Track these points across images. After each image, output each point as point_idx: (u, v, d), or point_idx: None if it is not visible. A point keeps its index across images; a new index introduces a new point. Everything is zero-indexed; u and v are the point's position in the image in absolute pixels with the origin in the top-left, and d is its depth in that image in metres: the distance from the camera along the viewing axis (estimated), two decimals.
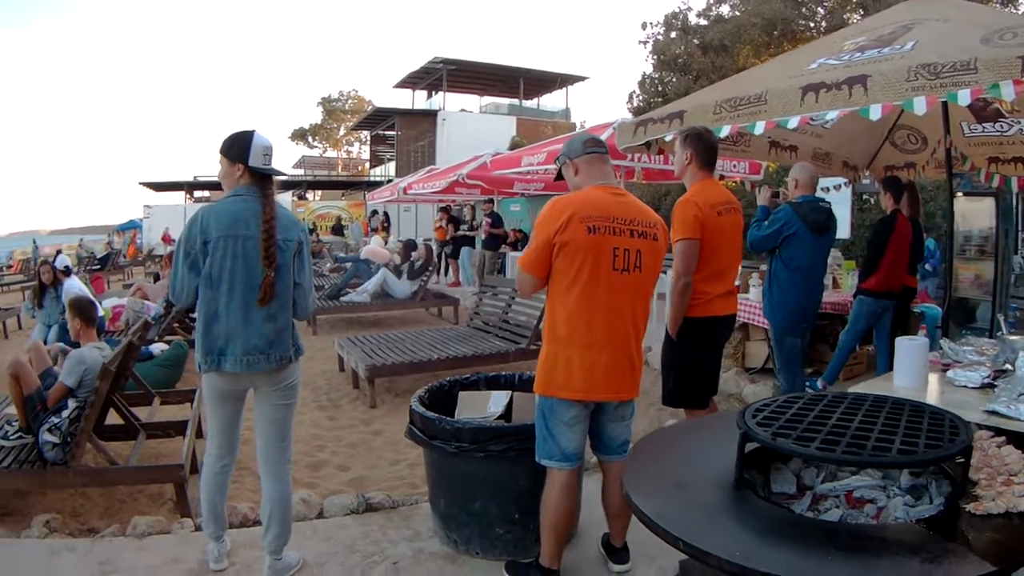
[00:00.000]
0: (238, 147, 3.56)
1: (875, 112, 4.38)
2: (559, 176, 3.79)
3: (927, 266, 8.87)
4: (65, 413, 4.98)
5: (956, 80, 4.06)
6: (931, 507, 2.44)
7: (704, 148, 4.63)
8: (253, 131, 3.58)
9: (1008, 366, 3.83)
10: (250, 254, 3.45)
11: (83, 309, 5.89)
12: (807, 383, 7.26)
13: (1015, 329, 6.19)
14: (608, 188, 3.50)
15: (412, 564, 4.21)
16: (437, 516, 4.51)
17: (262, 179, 3.59)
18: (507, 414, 4.66)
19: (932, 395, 3.71)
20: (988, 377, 3.73)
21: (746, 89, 5.21)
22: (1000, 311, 7.87)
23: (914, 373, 3.96)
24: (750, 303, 7.70)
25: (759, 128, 4.99)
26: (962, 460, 2.48)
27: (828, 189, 9.17)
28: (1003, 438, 2.64)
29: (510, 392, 4.80)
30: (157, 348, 9.12)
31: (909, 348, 3.98)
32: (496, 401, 4.79)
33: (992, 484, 2.40)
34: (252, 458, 4.47)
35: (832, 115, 4.58)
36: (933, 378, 4.02)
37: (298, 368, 3.79)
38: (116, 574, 4.03)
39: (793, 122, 4.77)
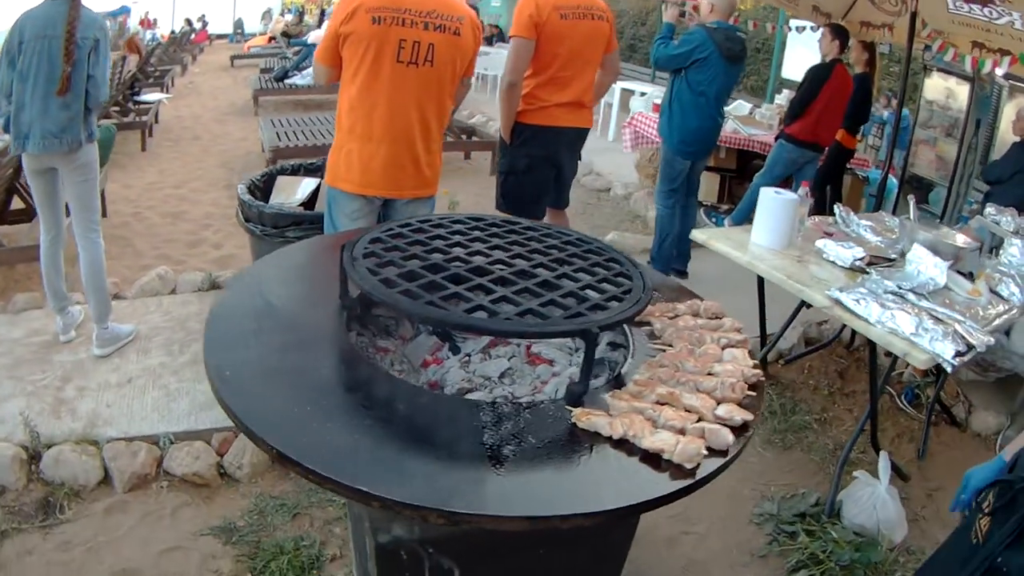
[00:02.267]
0: None
1: None
2: None
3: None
4: None
5: None
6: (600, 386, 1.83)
7: None
8: None
9: (895, 256, 3.44)
10: (54, 52, 3.84)
11: None
12: (713, 217, 7.24)
13: (961, 223, 5.53)
14: None
15: None
16: None
17: None
18: (312, 202, 4.91)
19: (784, 261, 3.41)
20: (862, 260, 3.32)
21: None
22: (953, 199, 7.38)
23: (774, 232, 3.59)
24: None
25: None
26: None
27: (792, 29, 8.84)
28: (731, 326, 2.08)
29: (319, 180, 4.88)
30: None
31: (771, 201, 3.60)
32: (304, 188, 5.03)
33: (646, 388, 1.70)
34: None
35: None
36: (801, 243, 3.64)
37: (91, 149, 4.12)
38: None
39: None
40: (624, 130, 7.89)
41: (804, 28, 8.19)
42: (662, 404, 1.62)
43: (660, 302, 2.19)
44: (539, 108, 4.33)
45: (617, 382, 1.79)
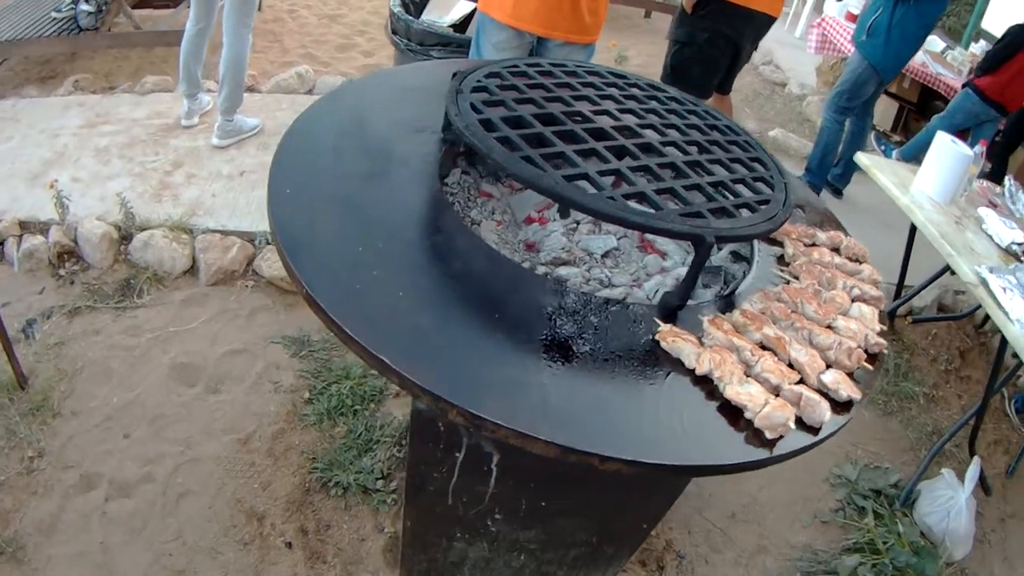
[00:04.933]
0: None
1: None
2: None
3: None
4: None
5: None
6: (704, 301, 1.59)
7: None
8: None
9: None
10: None
11: None
12: (883, 145, 6.81)
13: None
14: None
15: None
16: None
17: None
18: (465, 25, 4.69)
19: (942, 217, 3.13)
20: (1021, 246, 3.00)
21: None
22: None
23: (940, 182, 3.28)
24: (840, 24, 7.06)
25: None
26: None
27: None
28: (870, 275, 1.76)
29: (474, 4, 4.61)
30: None
31: (946, 149, 3.27)
32: (459, 9, 4.76)
33: (752, 323, 1.42)
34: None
35: None
36: (964, 203, 3.34)
37: None
38: (105, 124, 4.32)
39: None
40: (812, 30, 7.48)
41: None
42: (764, 348, 1.36)
43: (800, 223, 1.88)
44: None
45: (726, 303, 1.53)
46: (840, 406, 1.32)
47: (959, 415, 3.55)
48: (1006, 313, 2.52)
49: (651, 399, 1.24)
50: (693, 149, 1.73)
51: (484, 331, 1.27)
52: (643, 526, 1.98)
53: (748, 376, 1.28)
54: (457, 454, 1.58)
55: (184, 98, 4.35)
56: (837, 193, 5.59)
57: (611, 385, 1.24)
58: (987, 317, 4.19)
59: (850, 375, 1.37)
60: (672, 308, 1.41)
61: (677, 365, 1.31)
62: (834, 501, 2.99)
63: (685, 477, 1.78)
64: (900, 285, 4.22)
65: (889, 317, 4.06)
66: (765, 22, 4.25)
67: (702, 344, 1.32)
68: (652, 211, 1.38)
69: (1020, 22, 6.15)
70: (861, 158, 3.58)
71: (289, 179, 1.52)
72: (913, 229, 3.69)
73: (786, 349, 1.33)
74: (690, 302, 1.46)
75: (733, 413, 1.24)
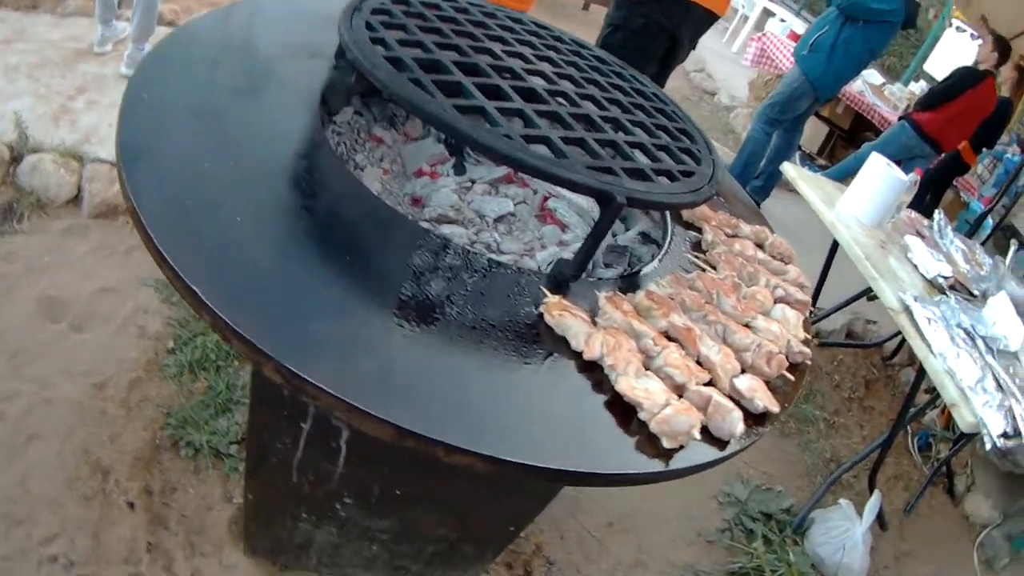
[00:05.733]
0: None
1: None
2: None
3: None
4: None
5: None
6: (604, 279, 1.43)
7: None
8: None
9: (977, 293, 2.99)
10: None
11: None
12: (807, 165, 6.82)
13: None
14: None
15: None
16: None
17: None
18: None
19: (867, 239, 3.00)
20: (946, 280, 2.90)
21: None
22: None
23: (870, 203, 3.14)
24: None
25: None
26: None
27: (953, 25, 8.72)
28: (795, 277, 1.61)
29: None
30: None
31: (880, 170, 3.14)
32: None
33: (658, 308, 1.19)
34: None
35: None
36: (890, 230, 3.21)
37: None
38: (20, 42, 4.16)
39: None
40: (751, 44, 7.62)
41: (965, 31, 8.16)
42: (670, 339, 1.13)
43: (723, 211, 1.68)
44: None
45: (629, 283, 1.31)
46: (753, 418, 1.11)
47: (859, 444, 3.48)
48: (928, 345, 2.40)
49: (523, 382, 1.02)
50: (615, 108, 1.50)
51: (330, 276, 1.04)
52: (510, 528, 1.80)
53: (647, 369, 1.06)
54: (303, 424, 1.37)
55: (99, 24, 4.23)
56: (756, 206, 5.43)
57: (476, 359, 1.01)
58: (896, 349, 4.22)
59: (767, 384, 1.16)
60: (564, 279, 1.18)
61: (562, 345, 1.08)
62: (721, 520, 2.84)
63: (556, 483, 1.57)
64: (812, 304, 4.04)
65: None
66: (706, 18, 4.11)
67: (595, 324, 1.09)
68: (555, 158, 1.14)
69: (967, 65, 6.28)
70: (788, 168, 3.47)
71: (151, 84, 1.29)
72: (835, 249, 3.58)
73: (696, 343, 1.11)
74: (588, 278, 1.24)
75: (624, 411, 1.02)
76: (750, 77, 7.92)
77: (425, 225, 1.49)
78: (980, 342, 2.51)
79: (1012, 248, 3.48)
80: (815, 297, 3.97)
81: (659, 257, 1.42)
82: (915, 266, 2.95)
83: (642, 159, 1.31)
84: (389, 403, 0.88)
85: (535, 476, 0.93)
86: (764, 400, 1.10)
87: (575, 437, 0.97)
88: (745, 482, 3.01)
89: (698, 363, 1.12)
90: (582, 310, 1.10)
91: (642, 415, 1.00)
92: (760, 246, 1.61)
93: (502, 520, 1.74)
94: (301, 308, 0.96)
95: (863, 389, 3.97)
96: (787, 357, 1.23)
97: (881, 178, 3.13)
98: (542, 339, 1.08)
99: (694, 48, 4.29)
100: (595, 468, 0.96)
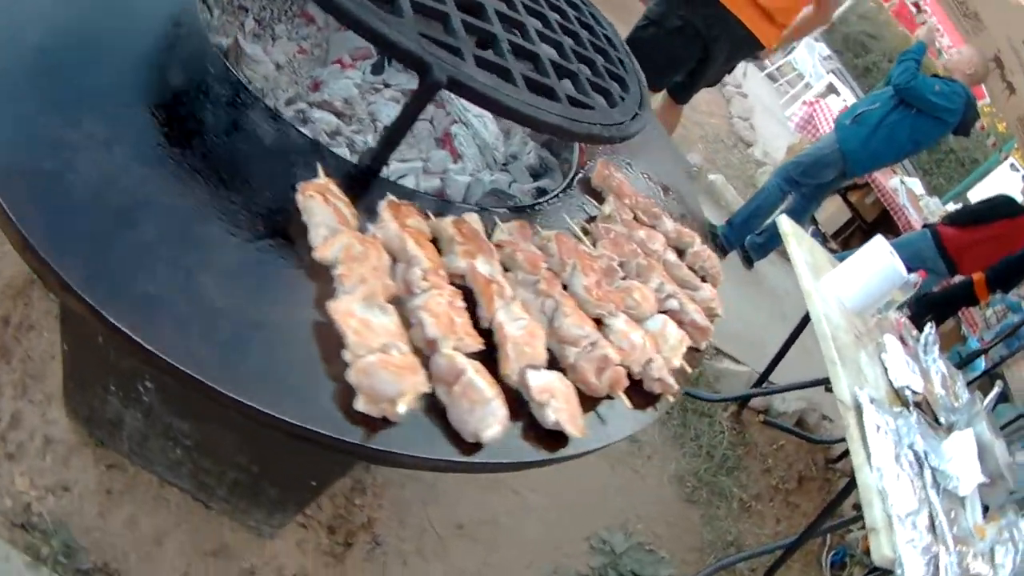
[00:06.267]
0: None
1: None
2: None
3: None
4: None
5: None
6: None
7: None
8: None
9: (943, 422, 2.82)
10: None
11: None
12: (810, 228, 6.83)
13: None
14: None
15: None
16: None
17: None
18: None
19: (842, 321, 2.79)
20: (914, 395, 2.68)
21: None
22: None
23: (858, 286, 2.93)
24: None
25: None
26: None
27: (1008, 161, 8.62)
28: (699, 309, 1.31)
29: None
30: None
31: (880, 255, 2.94)
32: None
33: (471, 245, 0.93)
34: None
35: None
36: (870, 322, 3.01)
37: None
38: None
39: None
40: (802, 107, 7.35)
41: (1019, 172, 8.15)
42: (460, 287, 0.84)
43: (649, 196, 1.39)
44: None
45: (456, 210, 1.05)
46: (542, 436, 0.81)
47: (769, 538, 3.27)
48: (868, 453, 2.20)
49: (229, 281, 0.80)
50: (566, 39, 1.26)
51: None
52: (311, 482, 1.69)
53: (392, 304, 0.77)
54: None
55: None
56: (748, 262, 5.32)
57: (208, 241, 0.82)
58: (843, 455, 4.00)
59: (587, 399, 0.86)
60: (361, 168, 0.89)
61: (302, 240, 0.84)
62: (586, 566, 2.61)
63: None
64: (766, 375, 3.89)
65: (742, 404, 3.79)
66: (746, 42, 3.97)
67: (359, 229, 0.80)
68: (386, 14, 0.86)
69: (1011, 196, 6.08)
70: (784, 222, 3.23)
71: None
72: (805, 322, 3.33)
73: (492, 302, 0.82)
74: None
75: (328, 344, 0.76)
76: (791, 141, 7.76)
77: (302, 106, 1.35)
78: (928, 473, 2.33)
79: (995, 389, 3.29)
80: (772, 366, 3.79)
81: (530, 206, 1.14)
82: (885, 369, 2.73)
83: (518, 60, 1.05)
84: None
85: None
86: (561, 416, 0.80)
87: (261, 366, 0.74)
88: (628, 535, 2.78)
89: (482, 331, 0.82)
90: (348, 206, 0.81)
91: (345, 354, 0.74)
92: (680, 253, 1.32)
93: (300, 470, 1.64)
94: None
95: (795, 483, 3.75)
96: (633, 377, 0.93)
97: (878, 263, 2.92)
98: (287, 229, 0.84)
99: (728, 72, 4.22)
100: (278, 413, 0.73)
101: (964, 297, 6.17)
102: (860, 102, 5.37)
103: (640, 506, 2.94)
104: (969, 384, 5.43)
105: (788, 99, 10.18)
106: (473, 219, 0.93)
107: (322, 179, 0.86)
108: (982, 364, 6.34)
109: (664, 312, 1.13)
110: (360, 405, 0.72)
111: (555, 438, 0.83)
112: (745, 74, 8.88)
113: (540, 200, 1.25)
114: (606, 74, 1.32)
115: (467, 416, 0.76)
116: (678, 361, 1.06)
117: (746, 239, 5.27)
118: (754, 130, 8.19)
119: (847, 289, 2.93)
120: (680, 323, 1.12)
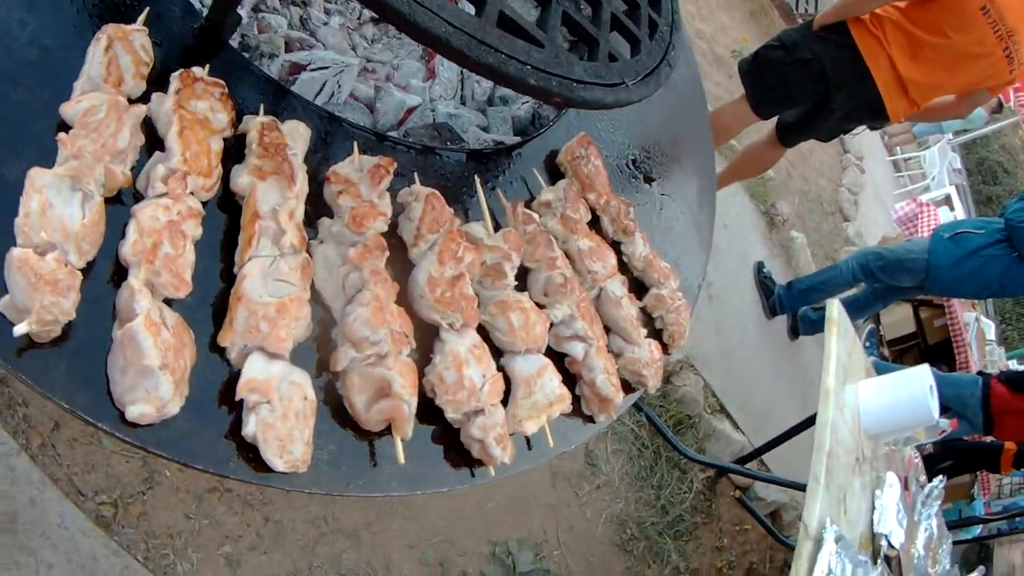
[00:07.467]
0: None
1: None
2: None
3: None
4: None
5: None
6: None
7: None
8: None
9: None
10: None
11: None
12: (869, 343, 6.67)
13: None
14: None
15: None
16: None
17: None
18: None
19: (848, 438, 2.65)
20: (890, 546, 2.63)
21: None
22: None
23: (883, 410, 2.83)
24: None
25: None
26: None
27: None
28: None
29: None
30: None
31: (917, 385, 2.84)
32: None
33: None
34: None
35: None
36: (879, 452, 2.92)
37: None
38: None
39: None
40: (910, 205, 7.23)
41: None
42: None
43: (625, 201, 1.22)
44: (871, 34, 3.59)
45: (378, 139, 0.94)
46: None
47: None
48: None
49: None
50: None
51: None
52: None
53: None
54: None
55: None
56: (794, 332, 5.26)
57: None
58: None
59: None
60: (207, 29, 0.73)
61: None
62: (477, 572, 2.54)
63: None
64: (760, 451, 3.86)
65: (719, 473, 3.69)
66: (871, 104, 3.80)
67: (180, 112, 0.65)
68: None
69: None
70: (832, 306, 3.05)
71: None
72: (811, 420, 3.19)
73: (247, 248, 0.64)
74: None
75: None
76: (888, 233, 7.57)
77: None
78: None
79: (976, 573, 3.25)
80: (771, 445, 3.76)
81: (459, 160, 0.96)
82: (873, 508, 2.67)
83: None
84: None
85: None
86: (262, 432, 0.63)
87: None
88: (538, 556, 2.70)
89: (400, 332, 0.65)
90: (139, 64, 0.69)
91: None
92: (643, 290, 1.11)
93: None
94: None
95: (741, 573, 3.65)
96: (451, 423, 0.76)
97: (914, 394, 2.80)
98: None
99: (844, 132, 4.15)
100: None
101: (988, 461, 6.09)
102: (966, 221, 5.22)
103: (566, 533, 2.83)
104: (956, 544, 5.31)
105: (903, 193, 10.03)
106: (299, 128, 0.73)
107: (136, 26, 0.70)
108: (978, 528, 6.34)
109: (554, 353, 0.89)
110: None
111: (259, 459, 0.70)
112: (869, 149, 8.70)
113: (478, 150, 1.02)
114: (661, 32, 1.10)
115: (119, 375, 0.59)
116: (533, 427, 0.83)
117: (800, 309, 5.16)
118: (857, 207, 8.05)
119: (871, 406, 2.82)
120: (576, 377, 0.89)
